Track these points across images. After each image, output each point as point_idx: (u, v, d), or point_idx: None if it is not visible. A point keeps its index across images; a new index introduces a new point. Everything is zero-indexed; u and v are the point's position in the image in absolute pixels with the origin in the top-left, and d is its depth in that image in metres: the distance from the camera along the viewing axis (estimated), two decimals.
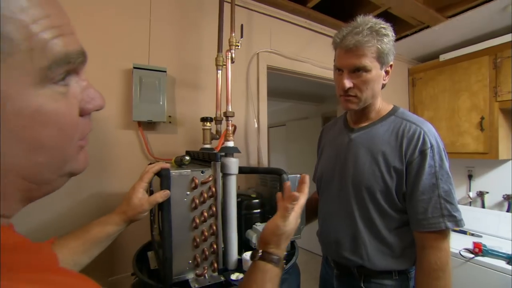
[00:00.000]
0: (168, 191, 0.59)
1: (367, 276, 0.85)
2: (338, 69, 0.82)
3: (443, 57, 1.94)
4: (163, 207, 0.58)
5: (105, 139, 0.98)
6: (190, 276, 0.62)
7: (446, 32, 1.72)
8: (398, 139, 0.80)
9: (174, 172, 0.59)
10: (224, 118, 0.83)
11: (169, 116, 1.09)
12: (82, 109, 0.29)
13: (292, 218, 0.55)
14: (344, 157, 0.89)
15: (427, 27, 1.67)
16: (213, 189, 0.64)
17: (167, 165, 0.63)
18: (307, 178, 0.60)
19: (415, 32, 1.74)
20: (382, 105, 0.89)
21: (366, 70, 0.77)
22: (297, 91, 2.98)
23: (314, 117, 3.38)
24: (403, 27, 1.70)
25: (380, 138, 0.83)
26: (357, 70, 0.78)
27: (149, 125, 1.07)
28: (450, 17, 1.56)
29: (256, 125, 1.32)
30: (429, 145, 0.76)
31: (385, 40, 0.76)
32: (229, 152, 0.70)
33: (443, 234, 0.75)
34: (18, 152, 0.24)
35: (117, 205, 0.63)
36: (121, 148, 1.01)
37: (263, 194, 0.85)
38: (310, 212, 0.99)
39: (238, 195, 0.83)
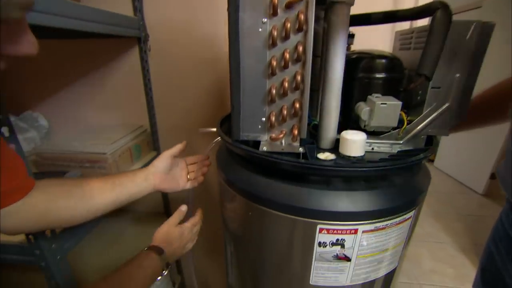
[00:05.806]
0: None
1: None
2: None
3: None
4: (231, 37, 0.43)
5: None
6: (264, 138, 0.48)
7: None
8: None
9: None
10: None
11: None
12: None
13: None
14: None
15: None
16: (304, 18, 0.40)
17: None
18: None
19: None
20: None
21: None
22: None
23: None
24: None
25: None
26: None
27: None
28: None
29: None
30: None
31: None
32: None
33: None
34: None
35: None
36: None
37: (400, 58, 0.52)
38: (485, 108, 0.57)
39: (355, 52, 0.55)
